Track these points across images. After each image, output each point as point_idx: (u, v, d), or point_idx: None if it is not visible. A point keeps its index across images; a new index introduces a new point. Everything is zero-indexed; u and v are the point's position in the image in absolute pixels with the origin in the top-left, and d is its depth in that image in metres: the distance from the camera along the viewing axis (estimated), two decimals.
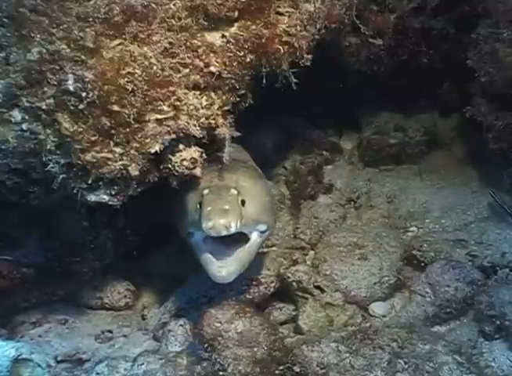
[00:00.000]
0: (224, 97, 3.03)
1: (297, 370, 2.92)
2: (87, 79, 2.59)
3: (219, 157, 3.22)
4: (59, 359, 3.38)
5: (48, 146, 2.71)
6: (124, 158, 2.77)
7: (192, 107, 2.88)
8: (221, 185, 3.19)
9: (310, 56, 3.21)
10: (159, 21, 2.76)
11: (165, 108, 2.79)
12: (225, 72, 2.96)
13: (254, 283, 3.53)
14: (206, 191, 3.11)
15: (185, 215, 3.26)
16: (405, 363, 2.91)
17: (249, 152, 3.84)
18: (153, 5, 2.73)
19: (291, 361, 2.93)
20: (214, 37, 2.96)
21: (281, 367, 2.90)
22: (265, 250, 3.79)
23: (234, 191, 3.11)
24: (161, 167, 2.95)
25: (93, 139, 2.69)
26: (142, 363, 3.08)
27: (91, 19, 2.65)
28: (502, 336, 3.18)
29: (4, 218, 3.36)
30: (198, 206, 3.09)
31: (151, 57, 2.74)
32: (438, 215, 4.32)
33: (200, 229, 3.02)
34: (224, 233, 2.91)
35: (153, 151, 2.80)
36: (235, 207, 3.02)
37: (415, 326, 3.28)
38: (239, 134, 3.18)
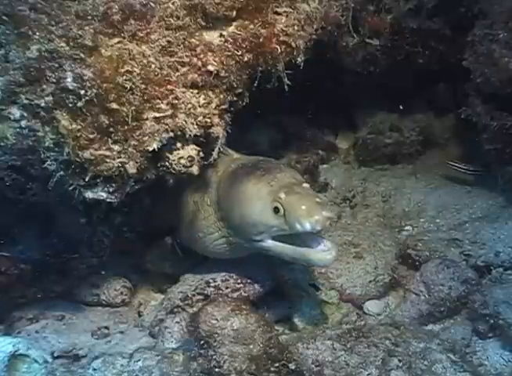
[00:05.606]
0: (221, 96, 3.05)
1: (293, 367, 2.93)
2: (85, 77, 2.61)
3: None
4: (55, 354, 3.38)
5: (47, 144, 2.71)
6: (122, 156, 2.79)
7: (189, 106, 2.90)
8: (288, 183, 3.12)
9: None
10: (157, 20, 2.78)
11: (163, 106, 2.81)
12: (223, 71, 2.98)
13: (249, 280, 3.55)
14: (282, 194, 3.02)
15: (252, 225, 3.16)
16: (400, 360, 2.93)
17: (245, 150, 3.84)
18: (152, 4, 2.75)
19: (286, 358, 2.94)
20: (212, 37, 2.98)
21: (276, 364, 2.91)
22: None
23: (306, 184, 3.09)
24: (159, 165, 2.97)
25: (91, 136, 2.70)
26: (139, 360, 3.08)
27: (90, 17, 2.67)
28: (496, 335, 3.20)
29: (2, 215, 3.37)
30: (275, 211, 3.02)
31: (149, 56, 2.76)
32: (433, 215, 4.32)
33: (280, 231, 3.04)
34: (328, 223, 2.91)
35: (150, 149, 2.82)
36: (321, 197, 3.00)
37: (409, 324, 3.30)
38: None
